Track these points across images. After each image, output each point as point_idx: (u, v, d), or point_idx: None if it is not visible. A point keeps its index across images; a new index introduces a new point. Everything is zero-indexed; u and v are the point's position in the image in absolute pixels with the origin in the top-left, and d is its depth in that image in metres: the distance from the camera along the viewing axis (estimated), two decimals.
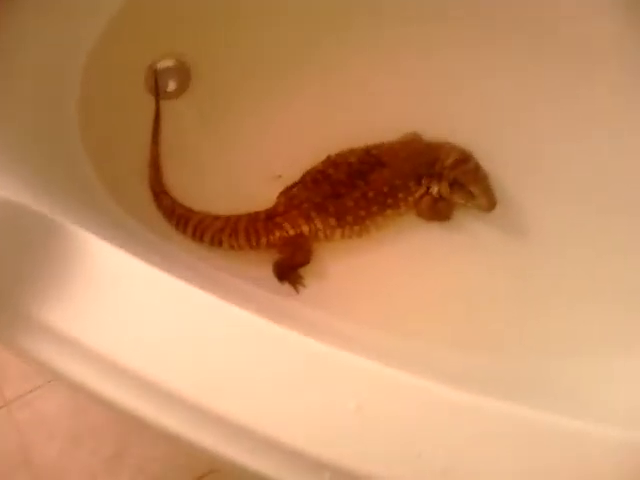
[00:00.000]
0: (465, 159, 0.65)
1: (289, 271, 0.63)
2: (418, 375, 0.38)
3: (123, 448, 0.82)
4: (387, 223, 0.65)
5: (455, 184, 0.65)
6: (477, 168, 0.65)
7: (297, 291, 0.63)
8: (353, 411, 0.36)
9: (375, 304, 0.63)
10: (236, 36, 0.79)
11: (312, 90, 0.77)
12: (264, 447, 0.35)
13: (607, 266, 0.64)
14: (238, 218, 0.64)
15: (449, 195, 0.66)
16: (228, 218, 0.64)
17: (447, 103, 0.75)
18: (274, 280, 0.63)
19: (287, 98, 0.76)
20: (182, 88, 0.77)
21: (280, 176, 0.68)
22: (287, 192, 0.66)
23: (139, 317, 0.39)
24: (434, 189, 0.66)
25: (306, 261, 0.64)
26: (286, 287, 0.63)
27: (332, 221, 0.63)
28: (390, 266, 0.66)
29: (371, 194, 0.63)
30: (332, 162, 0.66)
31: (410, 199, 0.65)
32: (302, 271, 0.64)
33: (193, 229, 0.64)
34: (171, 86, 0.77)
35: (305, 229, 0.63)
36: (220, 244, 0.64)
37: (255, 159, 0.72)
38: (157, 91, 0.75)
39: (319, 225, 0.63)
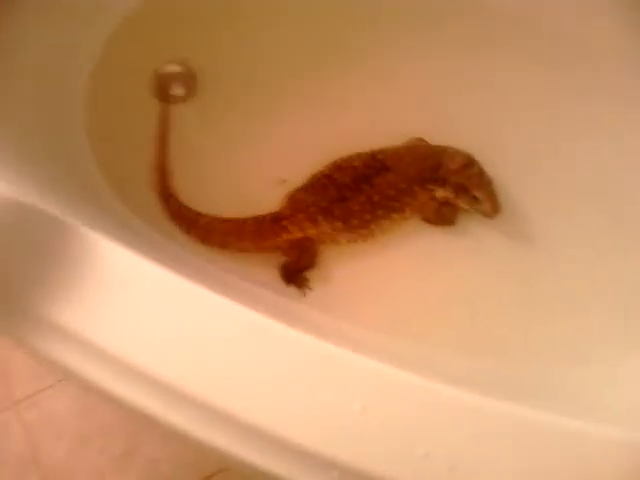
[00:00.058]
0: (469, 164, 0.66)
1: (295, 274, 0.64)
2: (422, 377, 0.38)
3: (131, 448, 0.83)
4: (392, 227, 0.66)
5: (460, 189, 0.65)
6: (481, 173, 0.65)
7: (303, 294, 0.64)
8: (359, 412, 0.36)
9: (380, 308, 0.63)
10: (242, 42, 0.80)
11: (316, 95, 0.78)
12: (273, 446, 0.35)
13: (610, 269, 0.64)
14: (245, 221, 0.64)
15: (454, 200, 0.66)
16: (235, 221, 0.65)
17: (448, 105, 0.75)
18: (280, 283, 0.64)
19: (292, 103, 0.77)
20: (189, 93, 0.78)
21: (285, 180, 0.69)
22: (293, 196, 0.66)
23: (148, 317, 0.40)
24: (439, 193, 0.66)
25: (312, 264, 0.64)
26: (292, 290, 0.64)
27: (338, 224, 0.63)
28: (395, 270, 0.66)
29: (376, 198, 0.64)
30: (338, 166, 0.66)
31: (415, 203, 0.66)
32: (308, 274, 0.64)
33: (200, 231, 0.65)
34: (178, 91, 0.78)
35: (311, 232, 0.64)
36: (227, 246, 0.64)
37: (260, 163, 0.73)
38: (164, 96, 0.76)
39: (325, 228, 0.64)
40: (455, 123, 0.74)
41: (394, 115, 0.75)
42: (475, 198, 0.65)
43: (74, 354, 0.38)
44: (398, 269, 0.66)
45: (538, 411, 0.37)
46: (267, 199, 0.66)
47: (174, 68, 0.79)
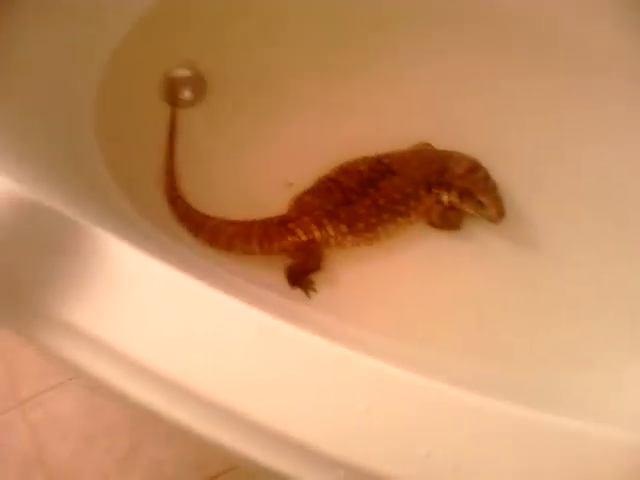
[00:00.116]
0: (475, 169, 0.66)
1: (301, 276, 0.64)
2: (427, 378, 0.38)
3: (136, 448, 0.83)
4: (398, 231, 0.66)
5: (465, 193, 0.66)
6: (487, 178, 0.66)
7: (308, 296, 0.64)
8: (364, 412, 0.36)
9: (385, 311, 0.63)
10: (251, 47, 0.81)
11: (323, 100, 0.78)
12: (280, 445, 0.35)
13: (615, 274, 0.64)
14: (251, 223, 0.65)
15: (459, 204, 0.67)
16: (241, 223, 0.65)
17: (453, 110, 0.76)
18: (286, 285, 0.64)
19: (299, 108, 0.77)
20: (197, 97, 0.79)
21: (292, 184, 0.69)
22: (299, 199, 0.66)
23: (157, 316, 0.40)
24: (444, 198, 0.67)
25: (317, 267, 0.65)
26: (297, 292, 0.64)
27: (343, 227, 0.64)
28: (400, 274, 0.66)
29: (382, 201, 0.64)
30: (344, 170, 0.67)
31: (420, 207, 0.66)
32: (313, 277, 0.65)
33: (207, 234, 0.65)
34: (187, 95, 0.79)
35: (317, 235, 0.64)
36: (233, 249, 0.65)
37: (268, 167, 0.73)
38: (173, 99, 0.77)
39: (331, 231, 0.64)
40: (460, 128, 0.74)
41: (400, 120, 0.76)
42: (480, 203, 0.65)
43: (84, 352, 0.39)
44: (404, 273, 0.66)
45: (540, 412, 0.37)
46: (274, 202, 0.67)
47: (184, 72, 0.80)
